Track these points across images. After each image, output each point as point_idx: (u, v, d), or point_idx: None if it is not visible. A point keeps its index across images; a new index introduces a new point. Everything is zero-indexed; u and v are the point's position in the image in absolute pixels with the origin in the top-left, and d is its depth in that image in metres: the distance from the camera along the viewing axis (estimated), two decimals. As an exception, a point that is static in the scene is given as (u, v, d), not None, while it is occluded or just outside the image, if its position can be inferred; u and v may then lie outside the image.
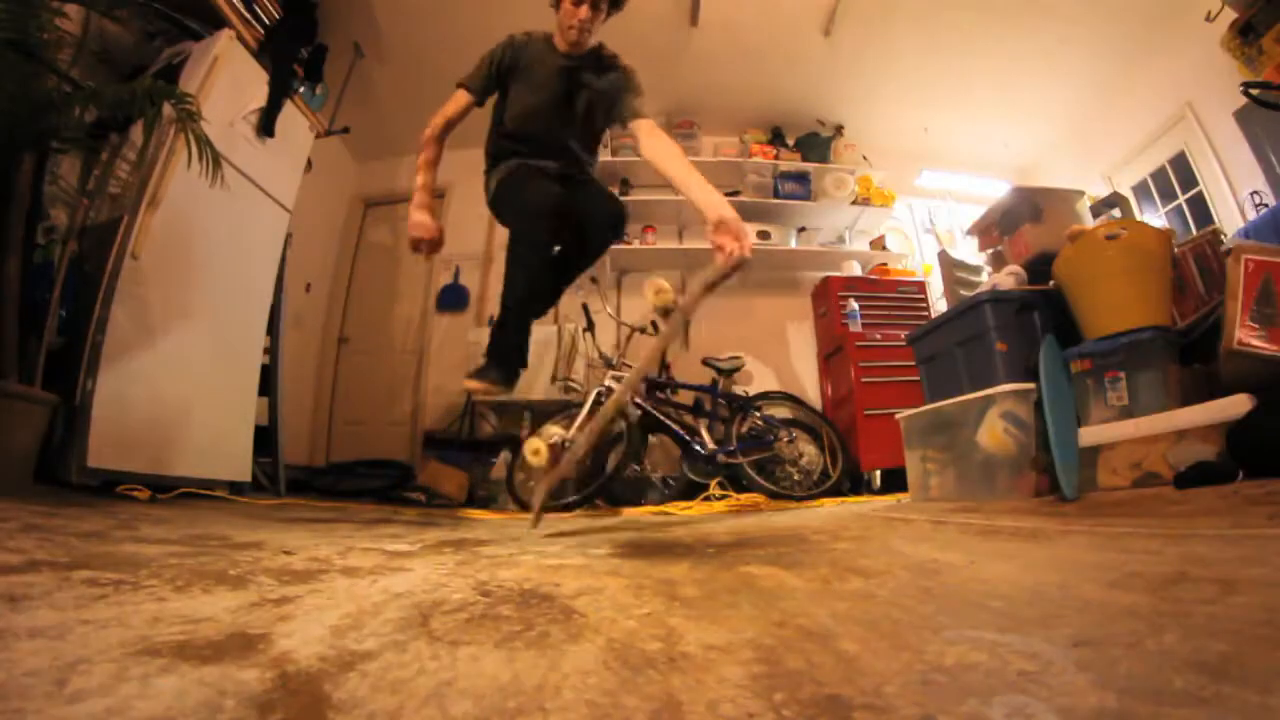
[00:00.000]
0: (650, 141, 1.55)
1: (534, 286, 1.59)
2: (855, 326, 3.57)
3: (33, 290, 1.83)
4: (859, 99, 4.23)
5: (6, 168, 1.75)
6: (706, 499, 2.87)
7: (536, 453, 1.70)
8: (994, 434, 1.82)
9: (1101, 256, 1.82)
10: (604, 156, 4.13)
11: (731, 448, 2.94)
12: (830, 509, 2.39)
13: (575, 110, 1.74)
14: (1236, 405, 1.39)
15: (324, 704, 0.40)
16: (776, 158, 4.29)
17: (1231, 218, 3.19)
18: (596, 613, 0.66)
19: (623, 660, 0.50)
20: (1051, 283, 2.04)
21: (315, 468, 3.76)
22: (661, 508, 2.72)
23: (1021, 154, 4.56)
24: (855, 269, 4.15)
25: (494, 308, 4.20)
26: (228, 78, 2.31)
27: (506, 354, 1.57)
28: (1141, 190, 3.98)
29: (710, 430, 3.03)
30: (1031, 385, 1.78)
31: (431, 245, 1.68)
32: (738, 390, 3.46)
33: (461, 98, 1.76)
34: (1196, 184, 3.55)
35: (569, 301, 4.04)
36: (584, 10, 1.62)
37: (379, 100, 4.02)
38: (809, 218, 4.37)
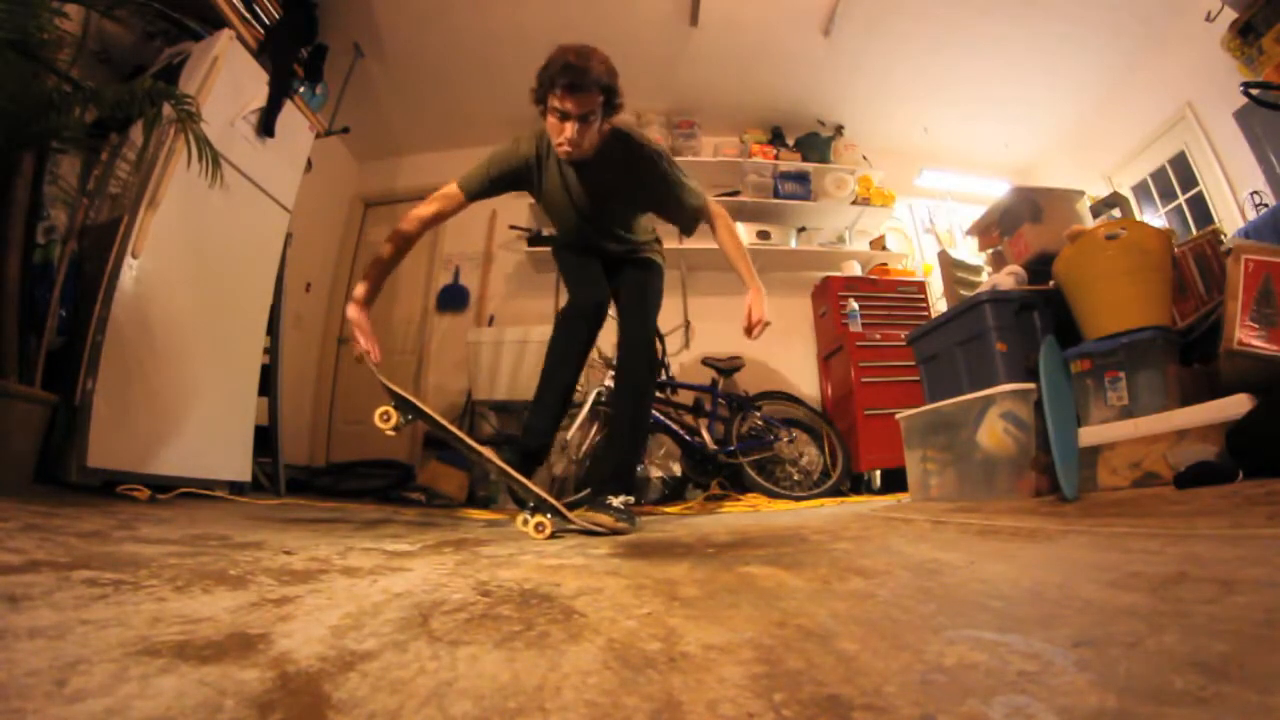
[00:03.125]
0: (723, 235, 1.74)
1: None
2: (855, 326, 3.57)
3: (33, 290, 1.83)
4: (859, 99, 4.24)
5: (6, 168, 1.75)
6: (707, 499, 2.87)
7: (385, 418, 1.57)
8: (994, 434, 1.83)
9: (1101, 256, 1.82)
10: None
11: (732, 448, 2.95)
12: (830, 509, 2.39)
13: (604, 211, 1.73)
14: (1236, 405, 1.39)
15: (324, 704, 0.40)
16: (776, 158, 4.29)
17: (1231, 218, 3.19)
18: (596, 613, 0.66)
19: (623, 660, 0.50)
20: (1051, 283, 2.04)
21: (315, 468, 3.76)
22: (661, 508, 2.72)
23: (1021, 154, 4.56)
24: (855, 269, 4.15)
25: (494, 307, 4.22)
26: (228, 78, 2.31)
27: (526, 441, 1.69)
28: (1141, 190, 3.98)
29: (710, 430, 3.03)
30: (1031, 385, 1.78)
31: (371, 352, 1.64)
32: (738, 390, 3.46)
33: (454, 195, 1.70)
34: (1196, 184, 3.55)
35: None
36: (569, 129, 1.49)
37: (379, 100, 4.02)
38: (809, 218, 4.37)
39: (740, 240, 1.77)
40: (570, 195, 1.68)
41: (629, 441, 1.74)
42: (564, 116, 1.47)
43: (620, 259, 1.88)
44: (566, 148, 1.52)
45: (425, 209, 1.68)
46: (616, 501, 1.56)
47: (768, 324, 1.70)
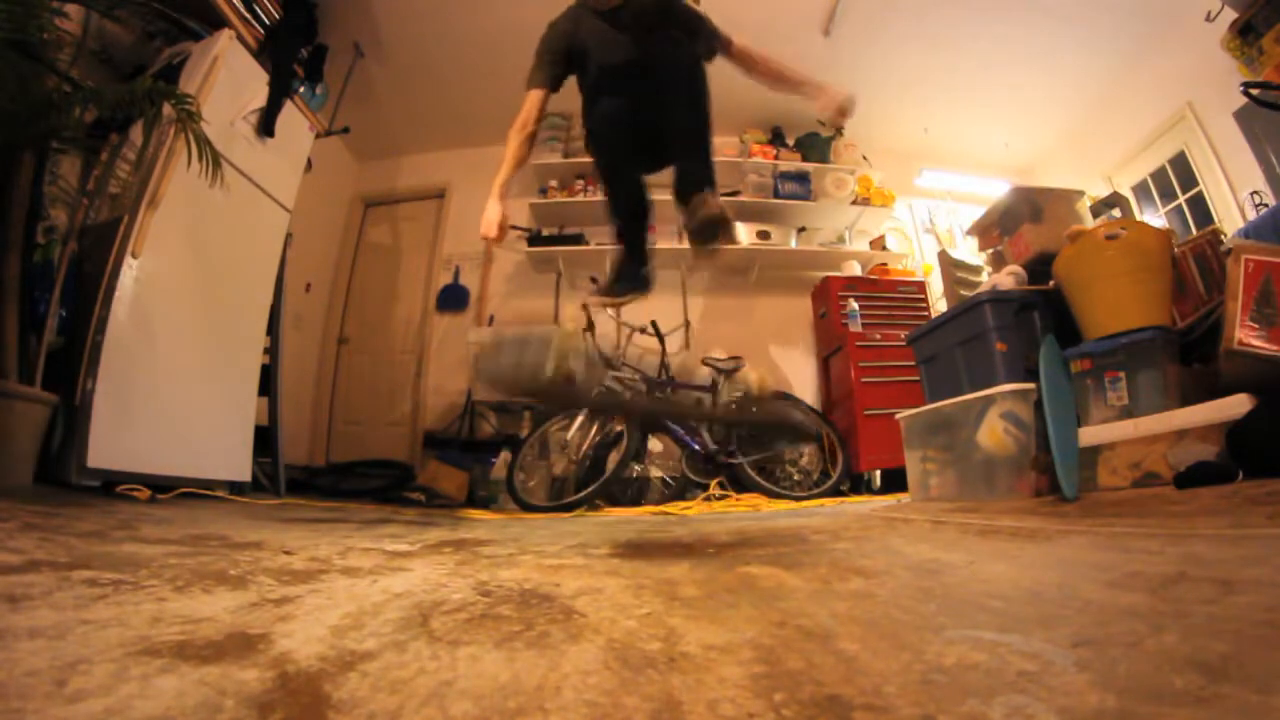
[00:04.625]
0: (757, 57, 1.72)
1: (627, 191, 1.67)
2: (855, 326, 3.57)
3: (33, 290, 1.83)
4: (859, 99, 4.23)
5: (6, 168, 1.75)
6: (707, 499, 2.87)
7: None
8: (994, 434, 1.82)
9: (1101, 256, 1.82)
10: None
11: (731, 448, 2.94)
12: (830, 509, 2.39)
13: (647, 49, 1.62)
14: (1236, 405, 1.39)
15: (324, 704, 0.40)
16: (776, 158, 4.29)
17: (1231, 218, 3.19)
18: (596, 613, 0.66)
19: (623, 660, 0.50)
20: (1051, 283, 2.04)
21: (315, 468, 3.76)
22: (661, 508, 2.72)
23: (1021, 154, 4.56)
24: (855, 269, 4.15)
25: (494, 307, 4.22)
26: (228, 78, 2.31)
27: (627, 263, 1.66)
28: (1141, 190, 3.98)
29: (710, 430, 3.03)
30: (1031, 385, 1.78)
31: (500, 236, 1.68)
32: (738, 390, 3.46)
33: (530, 98, 1.69)
34: (1196, 184, 3.55)
35: (569, 301, 4.08)
36: None
37: (379, 100, 4.02)
38: (809, 218, 4.37)
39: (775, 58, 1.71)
40: (611, 41, 1.65)
41: (699, 133, 1.61)
42: None
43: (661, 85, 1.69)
44: None
45: (522, 118, 1.70)
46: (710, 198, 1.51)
47: (852, 101, 1.64)
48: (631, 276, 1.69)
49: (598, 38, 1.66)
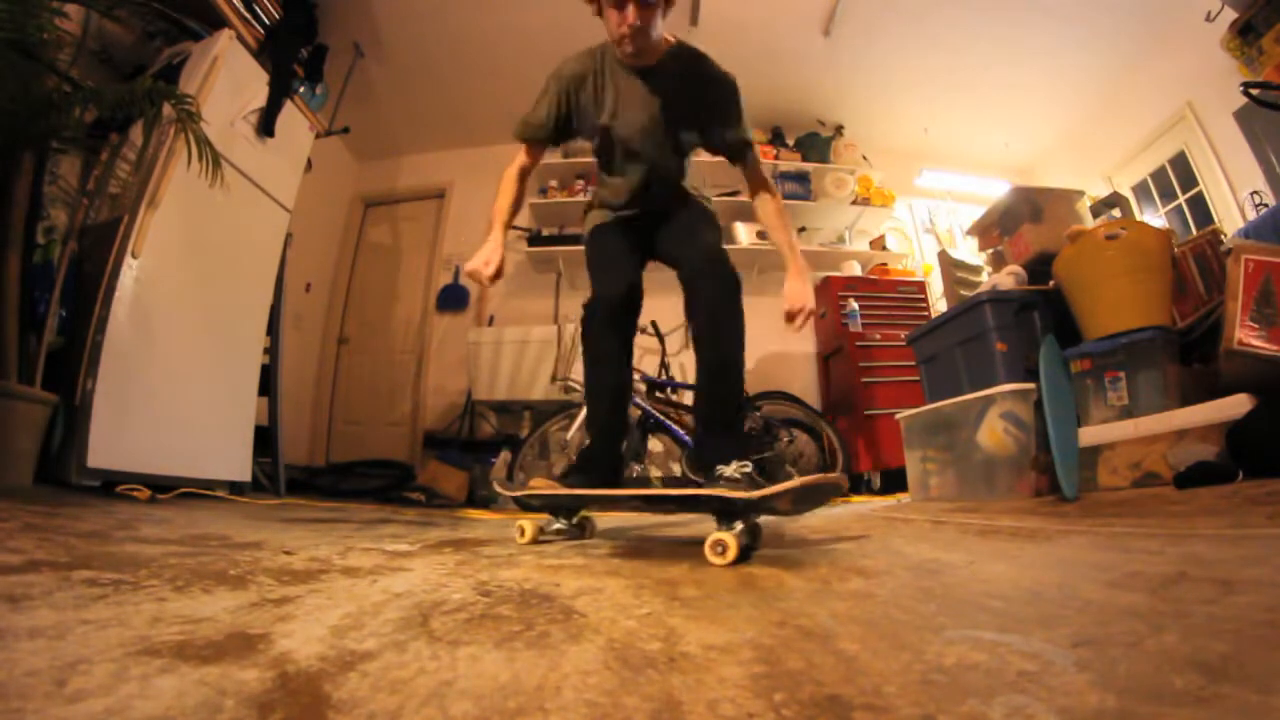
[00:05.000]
0: (766, 198, 1.48)
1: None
2: (855, 326, 3.57)
3: (33, 290, 1.83)
4: (859, 99, 4.23)
5: (6, 167, 1.75)
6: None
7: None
8: (994, 434, 1.82)
9: (1101, 256, 1.82)
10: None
11: (731, 448, 2.94)
12: (830, 509, 2.39)
13: (668, 133, 1.46)
14: (1236, 405, 1.39)
15: (324, 704, 0.40)
16: (776, 158, 4.29)
17: (1231, 218, 3.19)
18: (596, 613, 0.66)
19: (623, 660, 0.50)
20: (1051, 283, 2.04)
21: (315, 468, 3.76)
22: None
23: (1021, 154, 4.56)
24: (855, 269, 4.15)
25: (494, 307, 4.22)
26: (228, 78, 2.31)
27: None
28: (1141, 190, 3.98)
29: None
30: (1031, 385, 1.78)
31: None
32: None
33: (525, 154, 1.55)
34: (1196, 184, 3.55)
35: (569, 301, 4.08)
36: (631, 12, 1.28)
37: (379, 100, 4.02)
38: (809, 218, 4.37)
39: (783, 208, 1.51)
40: (633, 112, 1.45)
41: (721, 399, 1.36)
42: (623, 1, 1.28)
43: (664, 213, 1.58)
44: (628, 38, 1.31)
45: (512, 172, 1.56)
46: (729, 470, 1.17)
47: (812, 313, 1.42)
48: (604, 466, 1.40)
49: (619, 111, 1.45)
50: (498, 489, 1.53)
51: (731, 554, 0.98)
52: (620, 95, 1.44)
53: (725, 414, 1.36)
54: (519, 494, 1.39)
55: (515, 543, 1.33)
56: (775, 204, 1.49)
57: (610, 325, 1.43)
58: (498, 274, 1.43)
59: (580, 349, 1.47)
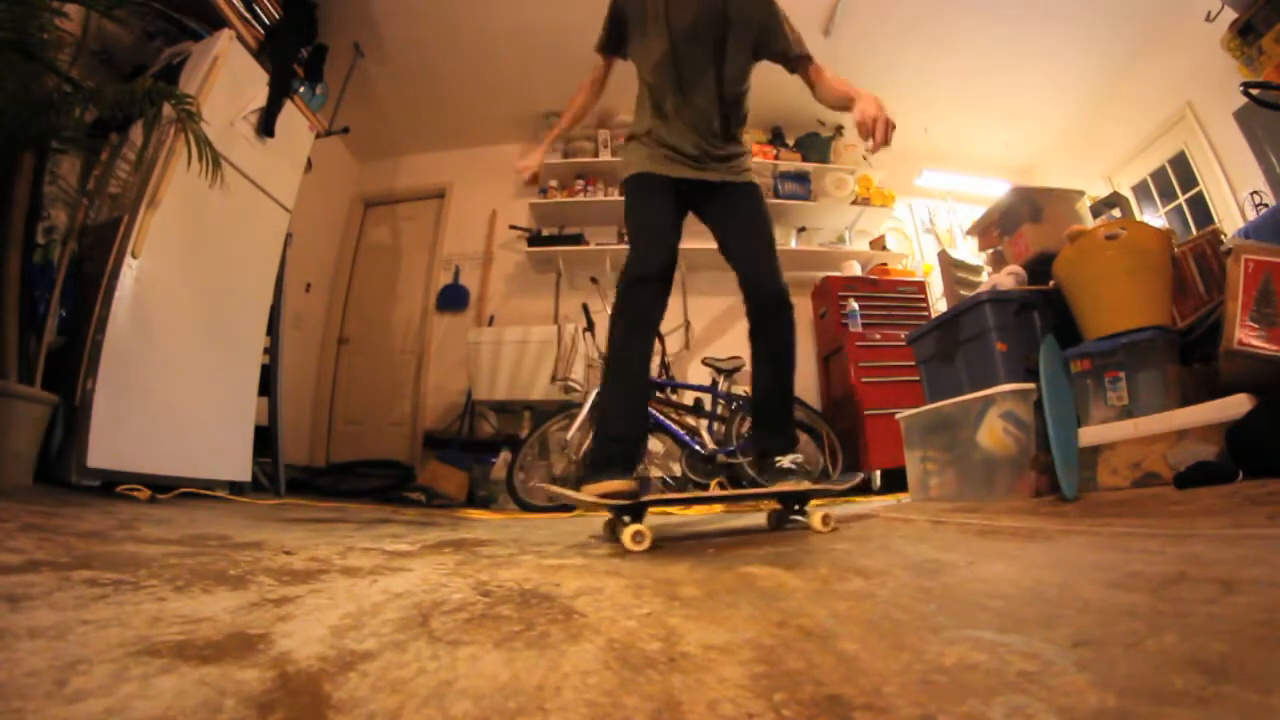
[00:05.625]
0: (829, 76, 1.63)
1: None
2: (855, 326, 3.57)
3: (33, 290, 1.83)
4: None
5: (6, 167, 1.75)
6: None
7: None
8: (994, 434, 1.82)
9: (1101, 256, 1.82)
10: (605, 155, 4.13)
11: (731, 448, 2.94)
12: (830, 508, 2.39)
13: (711, 52, 1.55)
14: (1236, 405, 1.39)
15: (324, 704, 0.40)
16: (776, 158, 4.29)
17: (1231, 218, 3.19)
18: (597, 613, 0.66)
19: (623, 660, 0.50)
20: (1051, 283, 2.04)
21: (315, 468, 3.76)
22: (662, 508, 2.72)
23: (1021, 154, 4.56)
24: (855, 269, 4.15)
25: (494, 307, 4.23)
26: (228, 78, 2.31)
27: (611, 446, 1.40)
28: (1141, 190, 3.98)
29: (710, 431, 3.03)
30: (1031, 385, 1.78)
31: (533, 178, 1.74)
32: (738, 390, 3.46)
33: (596, 63, 1.71)
34: (1196, 184, 3.55)
35: (569, 301, 4.08)
36: None
37: (379, 100, 4.02)
38: (809, 218, 4.37)
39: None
40: (674, 26, 1.52)
41: (779, 407, 1.68)
42: None
43: (713, 185, 1.63)
44: None
45: (586, 81, 1.74)
46: (785, 461, 1.49)
47: (890, 123, 1.30)
48: (623, 455, 1.37)
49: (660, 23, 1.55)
50: (562, 491, 1.40)
51: (832, 524, 1.33)
52: (661, 7, 1.54)
53: (782, 416, 1.71)
54: (597, 500, 1.25)
55: (516, 542, 1.32)
56: (834, 75, 1.65)
57: (653, 291, 1.49)
58: (535, 178, 1.70)
59: (611, 314, 1.48)
